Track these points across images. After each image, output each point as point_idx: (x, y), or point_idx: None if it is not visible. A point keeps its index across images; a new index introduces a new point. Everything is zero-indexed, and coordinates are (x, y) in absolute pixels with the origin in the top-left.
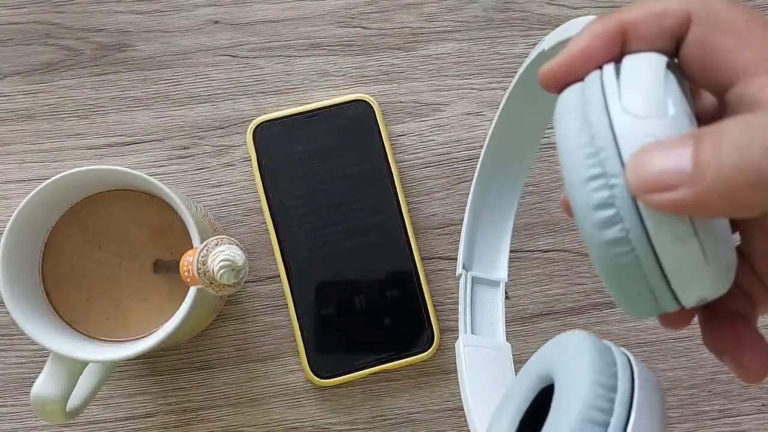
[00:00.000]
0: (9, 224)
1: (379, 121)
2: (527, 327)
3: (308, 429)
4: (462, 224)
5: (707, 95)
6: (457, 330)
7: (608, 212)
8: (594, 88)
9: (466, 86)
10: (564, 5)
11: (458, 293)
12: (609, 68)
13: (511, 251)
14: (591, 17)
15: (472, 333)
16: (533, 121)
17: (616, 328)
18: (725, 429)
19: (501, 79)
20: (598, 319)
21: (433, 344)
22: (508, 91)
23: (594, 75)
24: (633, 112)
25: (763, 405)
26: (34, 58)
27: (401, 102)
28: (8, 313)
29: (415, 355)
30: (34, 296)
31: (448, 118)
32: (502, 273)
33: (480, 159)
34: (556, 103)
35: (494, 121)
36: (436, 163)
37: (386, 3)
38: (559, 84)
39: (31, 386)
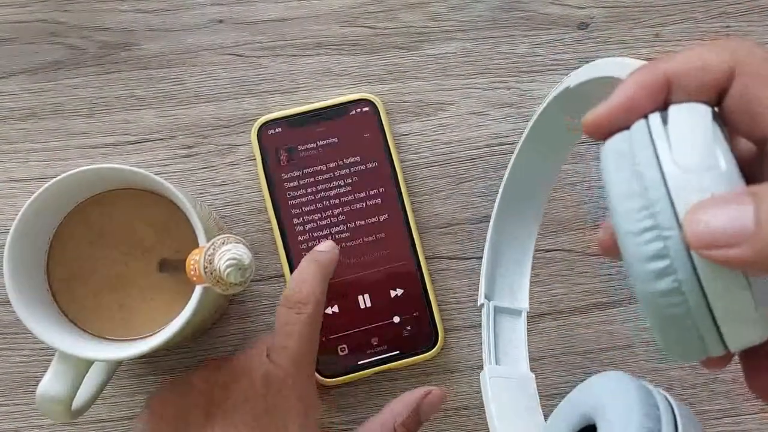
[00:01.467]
0: (15, 223)
1: (383, 121)
2: (529, 327)
3: None
4: (483, 254)
5: (743, 140)
6: (461, 329)
7: (661, 263)
8: (642, 139)
9: (471, 86)
10: (568, 5)
11: (481, 324)
12: (655, 118)
13: None
14: (619, 59)
15: (497, 363)
16: (554, 154)
17: (618, 327)
18: (727, 428)
19: (505, 78)
20: (600, 319)
21: (438, 344)
22: (530, 123)
23: (640, 124)
24: (684, 165)
25: (766, 405)
26: (39, 57)
27: (405, 101)
28: (12, 311)
29: (420, 354)
30: (40, 295)
31: (452, 117)
32: (524, 302)
33: (500, 189)
34: (602, 150)
35: (515, 153)
36: (440, 163)
37: (391, 2)
38: (605, 132)
39: (34, 385)
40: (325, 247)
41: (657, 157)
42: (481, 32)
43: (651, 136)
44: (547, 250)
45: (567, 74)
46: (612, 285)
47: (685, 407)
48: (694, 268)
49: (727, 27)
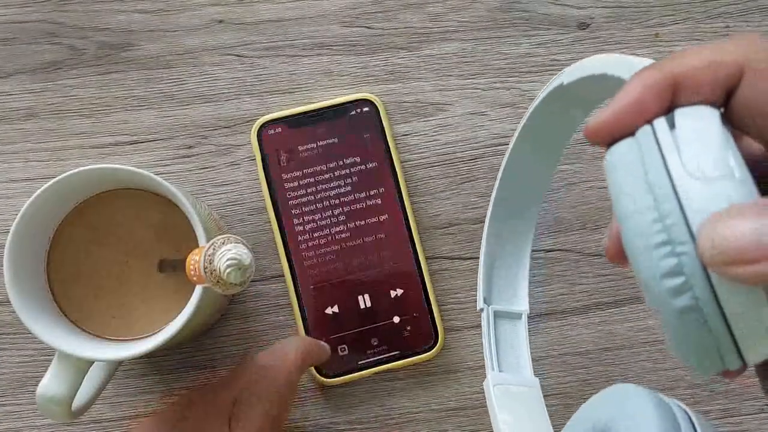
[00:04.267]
0: (15, 224)
1: (383, 121)
2: (530, 327)
3: (310, 428)
4: (479, 257)
5: (747, 141)
6: (461, 330)
7: (677, 280)
8: (649, 146)
9: (470, 86)
10: (567, 5)
11: (482, 329)
12: (661, 123)
13: None
14: (616, 56)
15: (499, 370)
16: (548, 153)
17: (619, 327)
18: (727, 429)
19: (505, 79)
20: (600, 319)
21: (438, 344)
22: (521, 122)
23: (646, 130)
24: (696, 174)
25: (766, 405)
26: (38, 57)
27: (405, 102)
28: (12, 311)
29: (420, 354)
30: (40, 295)
31: (452, 117)
32: (523, 304)
33: (494, 191)
34: (605, 159)
35: (507, 153)
36: (440, 163)
37: (390, 3)
38: (608, 138)
39: (34, 385)
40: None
41: (666, 167)
42: (481, 32)
43: (658, 143)
44: (547, 251)
45: (561, 72)
46: (612, 285)
47: (705, 421)
48: (711, 284)
49: (727, 27)
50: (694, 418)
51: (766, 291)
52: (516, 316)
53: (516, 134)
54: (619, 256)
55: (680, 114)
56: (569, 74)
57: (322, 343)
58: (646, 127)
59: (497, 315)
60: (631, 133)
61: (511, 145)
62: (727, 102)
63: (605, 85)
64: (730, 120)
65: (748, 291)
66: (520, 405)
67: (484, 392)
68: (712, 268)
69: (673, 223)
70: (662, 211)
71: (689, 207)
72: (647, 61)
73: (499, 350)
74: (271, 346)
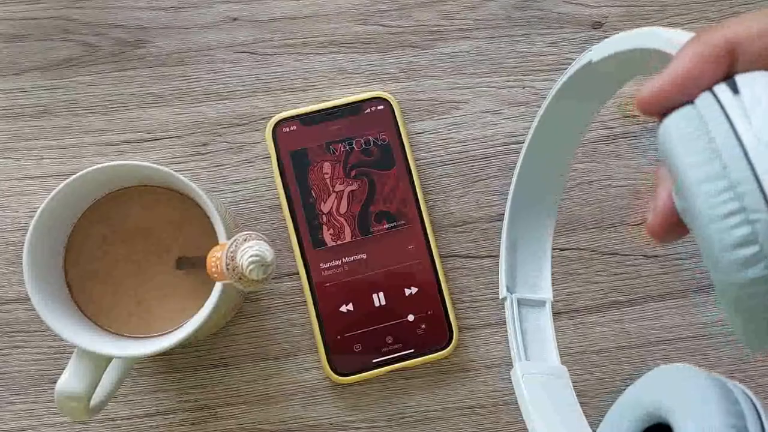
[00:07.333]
0: (34, 221)
1: (398, 119)
2: None
3: (326, 427)
4: (500, 246)
5: None
6: (476, 328)
7: (751, 249)
8: (714, 113)
9: (484, 84)
10: (582, 4)
11: (506, 318)
12: (723, 90)
13: None
14: (648, 29)
15: (526, 359)
16: (570, 134)
17: (633, 326)
18: None
19: (519, 77)
20: (615, 318)
21: (452, 342)
22: (545, 104)
23: (707, 98)
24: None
25: None
26: (52, 54)
27: (420, 100)
28: (27, 309)
29: (434, 353)
30: (59, 293)
31: (466, 116)
32: (546, 292)
33: (514, 177)
34: (661, 129)
35: (530, 134)
36: (455, 161)
37: (405, 1)
38: (662, 107)
39: (49, 383)
40: None
41: (735, 132)
42: (495, 31)
43: (724, 109)
44: (562, 249)
45: (588, 49)
46: (627, 284)
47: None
48: None
49: None
50: (753, 398)
51: None
52: (540, 304)
53: (537, 117)
54: (665, 231)
55: (743, 80)
56: (599, 51)
57: None
58: (707, 95)
59: (521, 303)
60: (688, 102)
61: (532, 130)
62: None
63: (639, 61)
64: None
65: None
66: (551, 394)
67: (500, 390)
68: None
69: (746, 191)
70: (733, 179)
71: (763, 172)
72: (684, 33)
73: (525, 339)
74: None
